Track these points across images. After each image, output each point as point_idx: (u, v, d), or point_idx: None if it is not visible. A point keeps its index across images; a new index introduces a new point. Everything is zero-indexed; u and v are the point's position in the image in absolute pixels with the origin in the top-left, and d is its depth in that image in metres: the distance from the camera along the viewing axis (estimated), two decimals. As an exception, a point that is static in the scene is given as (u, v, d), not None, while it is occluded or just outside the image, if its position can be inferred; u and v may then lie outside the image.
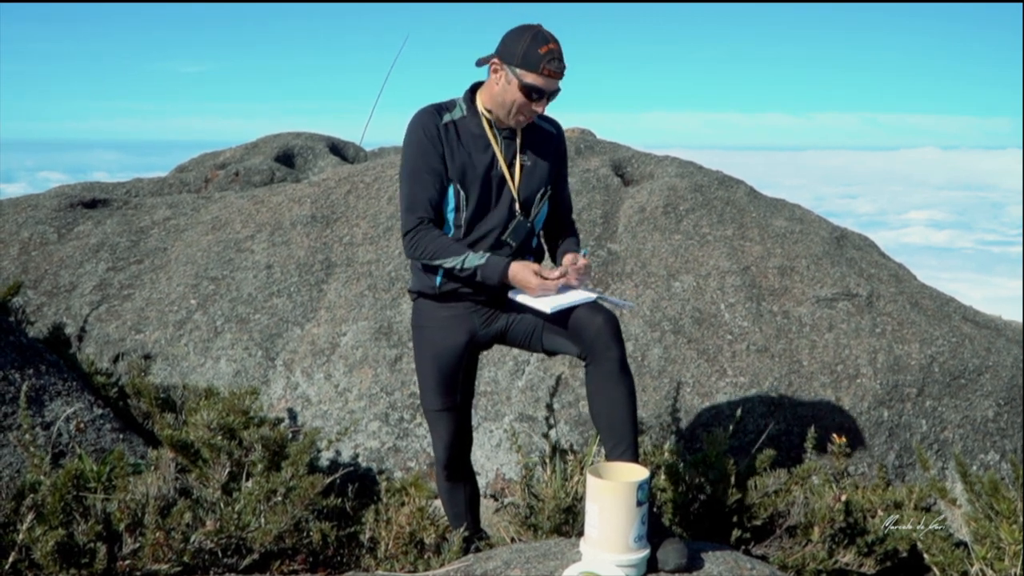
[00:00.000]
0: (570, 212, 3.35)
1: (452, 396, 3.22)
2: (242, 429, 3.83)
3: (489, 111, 3.06)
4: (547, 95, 2.95)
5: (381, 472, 4.61)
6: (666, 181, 6.27)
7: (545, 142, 3.17)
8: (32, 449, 3.17)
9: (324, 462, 4.62)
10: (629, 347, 5.00)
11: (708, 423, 4.76)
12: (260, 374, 4.99)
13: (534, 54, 2.89)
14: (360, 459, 4.66)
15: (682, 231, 5.76)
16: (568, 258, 3.05)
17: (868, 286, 5.48)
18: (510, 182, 3.09)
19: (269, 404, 4.88)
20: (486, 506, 3.98)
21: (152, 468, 3.38)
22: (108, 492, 3.15)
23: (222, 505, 3.15)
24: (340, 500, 3.75)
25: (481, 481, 4.63)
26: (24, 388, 3.46)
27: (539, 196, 3.13)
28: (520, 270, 2.97)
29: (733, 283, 5.35)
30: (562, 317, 2.99)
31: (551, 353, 3.16)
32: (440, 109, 3.13)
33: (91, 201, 6.39)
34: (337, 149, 8.57)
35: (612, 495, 2.65)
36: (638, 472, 2.74)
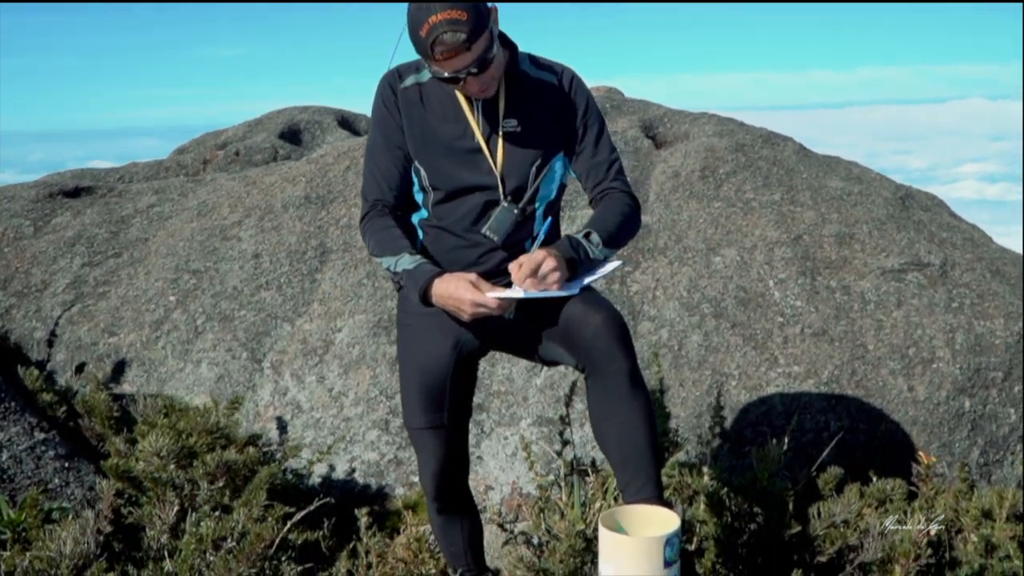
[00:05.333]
0: (609, 171, 2.53)
1: (438, 413, 2.59)
2: (205, 452, 3.26)
3: None
4: (464, 75, 2.24)
5: (380, 490, 4.02)
6: (703, 141, 5.54)
7: (542, 95, 2.49)
8: (-67, 495, 2.63)
9: (315, 479, 4.06)
10: (663, 334, 4.34)
11: (757, 422, 4.08)
12: (245, 379, 4.42)
13: (420, 41, 2.21)
14: (356, 474, 4.08)
15: (722, 197, 5.05)
16: (512, 266, 2.32)
17: (941, 253, 4.73)
18: (488, 157, 2.43)
19: (255, 413, 4.31)
20: (495, 535, 3.37)
21: (84, 510, 2.82)
22: (24, 545, 2.59)
23: (154, 561, 2.58)
24: (317, 534, 3.17)
25: (495, 496, 4.02)
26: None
27: (534, 169, 2.47)
28: (448, 287, 2.30)
29: (783, 256, 4.63)
30: (553, 316, 2.34)
31: (549, 363, 2.51)
32: (403, 71, 2.49)
33: (74, 190, 5.87)
34: (347, 123, 7.96)
35: (631, 554, 2.01)
36: (665, 520, 2.09)
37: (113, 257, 5.12)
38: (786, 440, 3.09)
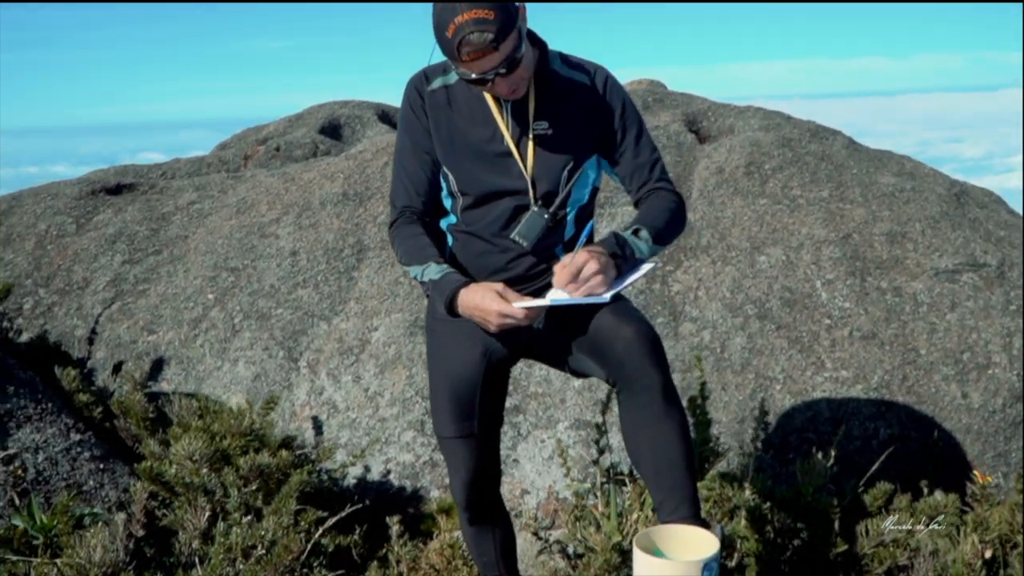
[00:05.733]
0: (652, 171, 2.45)
1: (467, 421, 2.52)
2: (239, 455, 3.23)
3: None
4: (492, 76, 2.16)
5: (415, 492, 3.98)
6: (748, 136, 5.40)
7: (574, 95, 2.40)
8: (-34, 499, 2.63)
9: (350, 481, 4.02)
10: (705, 336, 4.23)
11: (803, 429, 3.96)
12: (282, 377, 4.39)
13: (446, 42, 2.13)
14: (391, 476, 4.03)
15: (768, 194, 4.91)
16: (556, 268, 2.24)
17: (998, 253, 4.54)
18: (519, 161, 2.35)
19: (291, 412, 4.29)
20: (529, 543, 3.30)
21: (116, 514, 2.80)
22: (54, 551, 2.58)
23: (184, 569, 2.55)
24: (349, 539, 3.12)
25: (531, 501, 3.95)
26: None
27: (566, 173, 2.38)
28: (474, 298, 2.22)
29: (831, 255, 4.49)
30: (583, 326, 2.26)
31: (579, 375, 2.43)
32: (431, 72, 2.41)
33: (116, 187, 5.89)
34: (387, 117, 7.90)
35: (667, 578, 1.92)
36: (703, 543, 2.00)
37: (153, 255, 5.14)
38: (832, 453, 2.96)
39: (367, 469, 4.05)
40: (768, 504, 2.70)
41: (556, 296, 2.22)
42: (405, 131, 2.42)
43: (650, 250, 2.36)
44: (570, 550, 2.99)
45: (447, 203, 2.45)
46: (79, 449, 3.28)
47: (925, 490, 3.64)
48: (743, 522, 2.65)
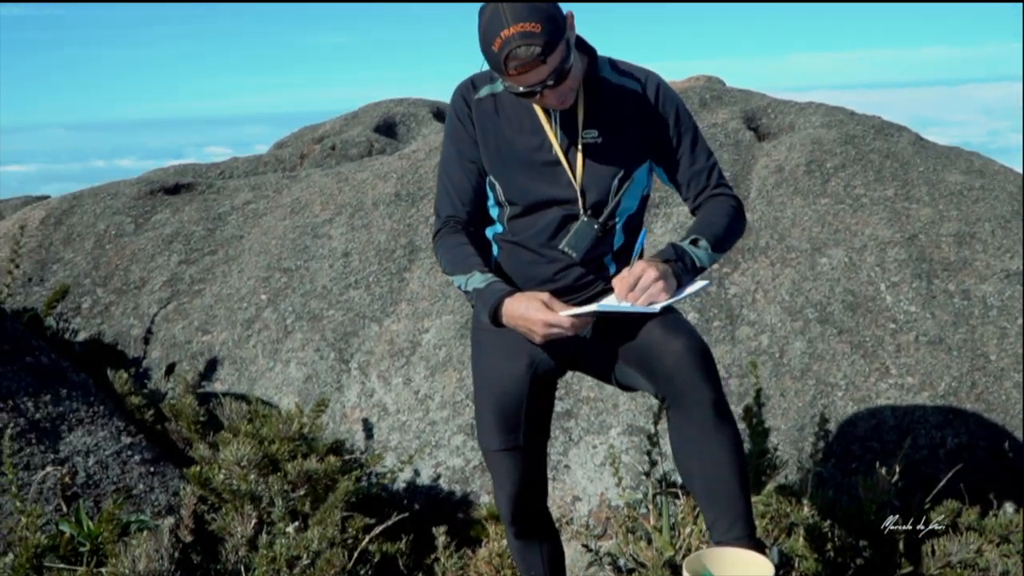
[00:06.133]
0: (710, 177, 2.38)
1: (514, 434, 2.46)
2: (287, 460, 3.22)
3: None
4: (540, 89, 2.08)
5: (465, 497, 3.93)
6: (809, 133, 5.23)
7: (624, 103, 2.31)
8: (18, 504, 2.65)
9: (400, 485, 3.99)
10: (763, 340, 4.10)
11: (865, 437, 3.81)
12: (333, 379, 4.39)
13: (492, 56, 2.06)
14: (441, 480, 3.99)
15: (830, 193, 4.75)
16: (615, 281, 2.19)
17: (1074, 254, 4.32)
18: (568, 170, 2.28)
19: (342, 414, 4.27)
20: (579, 554, 3.23)
21: (164, 519, 2.81)
22: (100, 559, 2.59)
23: (227, 580, 2.54)
24: (396, 546, 3.09)
25: (583, 508, 3.88)
26: (16, 425, 2.94)
27: (616, 182, 2.30)
28: (519, 308, 2.16)
29: (896, 257, 4.32)
30: (631, 338, 2.19)
31: (627, 389, 2.35)
32: (478, 80, 2.35)
33: (174, 186, 5.96)
34: (442, 115, 7.88)
35: (718, 605, 1.84)
36: (757, 566, 1.91)
37: (209, 255, 5.18)
38: (897, 468, 2.83)
39: (416, 473, 4.02)
40: (828, 522, 2.59)
41: (604, 304, 2.15)
42: (451, 140, 2.37)
43: (710, 258, 2.29)
44: (621, 563, 2.91)
45: (494, 212, 2.40)
46: (130, 452, 3.31)
47: (994, 502, 3.49)
48: (801, 540, 2.55)
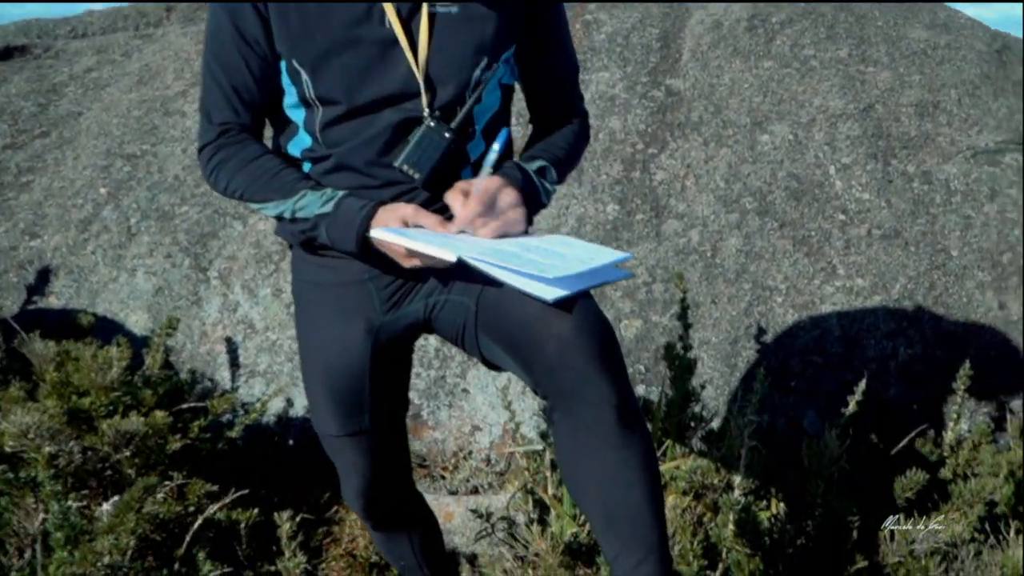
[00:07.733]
0: (570, 84, 1.80)
1: (356, 417, 1.83)
2: (101, 417, 2.58)
3: None
4: None
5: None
6: (752, -20, 4.47)
7: None
8: None
9: (270, 418, 3.39)
10: (693, 236, 3.50)
11: (807, 350, 3.29)
12: (188, 290, 3.68)
13: None
14: (318, 412, 3.39)
15: (775, 55, 4.05)
16: (451, 197, 1.58)
17: (1050, 126, 3.75)
18: (408, 52, 1.56)
19: (201, 332, 3.60)
20: (469, 517, 2.69)
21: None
22: None
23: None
24: (248, 513, 2.52)
25: (484, 439, 3.34)
26: None
27: (479, 72, 1.60)
28: (390, 219, 1.55)
29: (848, 133, 3.70)
30: (497, 303, 1.56)
31: (496, 369, 1.71)
32: None
33: (4, 49, 4.99)
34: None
35: None
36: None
37: (40, 137, 4.31)
38: (848, 434, 2.28)
39: (289, 403, 3.41)
40: (764, 502, 2.05)
41: (466, 245, 1.47)
42: (226, 12, 1.60)
43: (549, 197, 1.69)
44: (516, 538, 2.38)
45: (296, 116, 1.66)
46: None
47: (951, 424, 3.05)
48: (730, 527, 2.01)
